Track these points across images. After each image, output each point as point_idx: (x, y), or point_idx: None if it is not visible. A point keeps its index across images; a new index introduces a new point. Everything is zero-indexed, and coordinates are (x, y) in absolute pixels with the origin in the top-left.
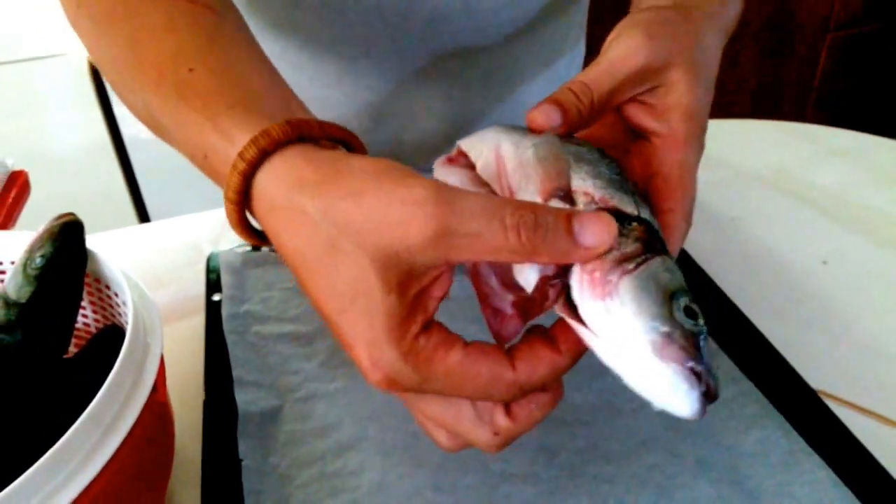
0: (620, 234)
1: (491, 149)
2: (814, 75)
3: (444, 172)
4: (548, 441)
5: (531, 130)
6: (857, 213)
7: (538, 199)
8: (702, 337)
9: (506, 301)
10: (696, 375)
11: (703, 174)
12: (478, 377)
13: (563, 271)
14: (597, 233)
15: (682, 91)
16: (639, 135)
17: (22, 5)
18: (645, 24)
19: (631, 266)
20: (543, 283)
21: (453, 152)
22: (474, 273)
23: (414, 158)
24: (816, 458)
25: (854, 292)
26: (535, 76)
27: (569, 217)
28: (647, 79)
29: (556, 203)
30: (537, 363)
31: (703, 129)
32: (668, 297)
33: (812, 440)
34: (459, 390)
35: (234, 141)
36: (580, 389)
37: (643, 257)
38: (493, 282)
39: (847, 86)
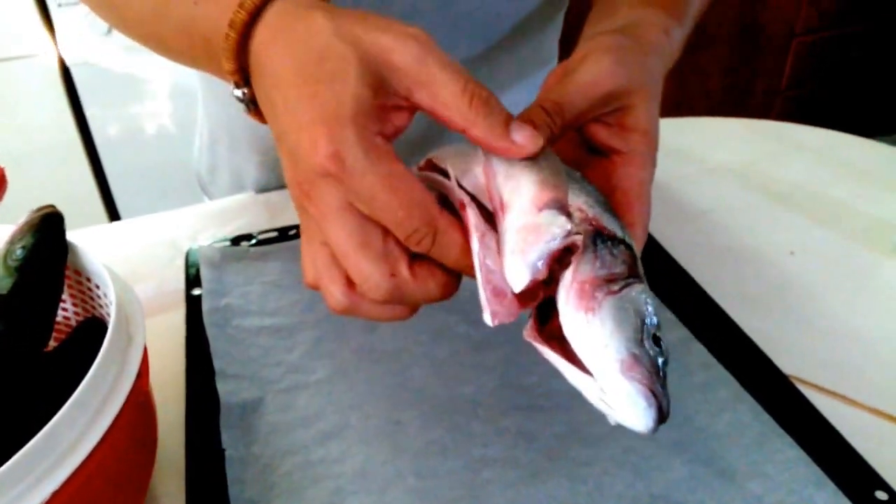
0: (611, 255)
1: (477, 161)
2: (780, 80)
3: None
4: (527, 426)
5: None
6: (822, 206)
7: (533, 211)
8: (662, 362)
9: (504, 283)
10: (655, 396)
11: (675, 169)
12: (412, 192)
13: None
14: (527, 136)
15: (641, 113)
16: (597, 151)
17: None
18: (613, 51)
19: (616, 287)
20: (535, 285)
21: (421, 163)
22: (481, 245)
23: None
24: (787, 439)
25: (820, 281)
26: (513, 85)
27: (510, 116)
28: (612, 101)
29: (551, 215)
30: (456, 232)
31: (657, 149)
32: (641, 324)
33: (783, 422)
34: (391, 197)
35: None
36: (558, 376)
37: (626, 281)
38: (499, 263)
39: (812, 89)
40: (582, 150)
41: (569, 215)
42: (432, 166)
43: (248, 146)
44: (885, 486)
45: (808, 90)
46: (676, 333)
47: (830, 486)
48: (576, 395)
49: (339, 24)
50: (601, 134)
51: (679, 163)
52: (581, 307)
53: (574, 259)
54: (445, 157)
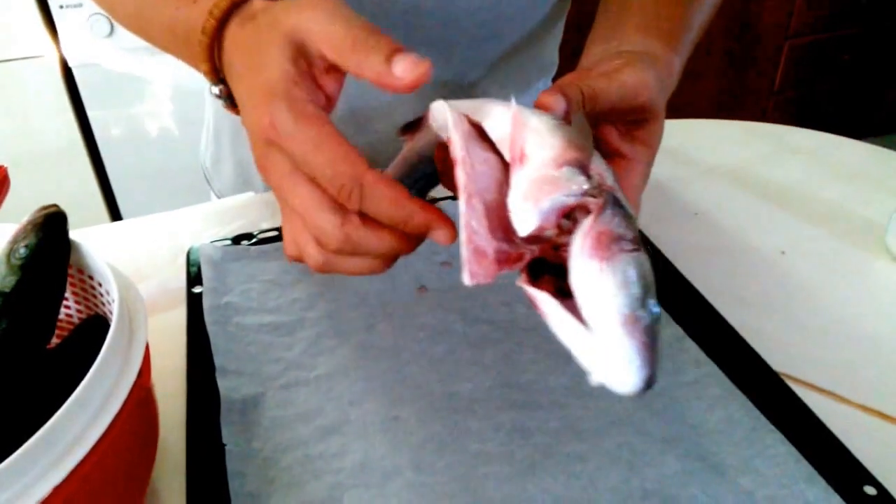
0: (626, 220)
1: (504, 112)
2: (773, 81)
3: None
4: (523, 422)
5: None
6: (813, 207)
7: (553, 166)
8: (658, 329)
9: (490, 245)
10: (650, 358)
11: (670, 171)
12: (337, 150)
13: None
14: (406, 68)
15: (653, 130)
16: (600, 151)
17: None
18: (651, 69)
19: (629, 248)
20: (529, 240)
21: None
22: (467, 206)
23: (388, 153)
24: (778, 435)
25: (811, 280)
26: (514, 89)
27: (395, 50)
28: (639, 112)
29: (571, 172)
30: (384, 187)
31: (653, 164)
32: (647, 288)
33: (773, 418)
34: (317, 155)
35: None
36: (553, 372)
37: (636, 247)
38: (483, 224)
39: (805, 91)
40: None
41: (588, 177)
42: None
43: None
44: (873, 482)
45: (800, 92)
46: (669, 331)
47: (821, 482)
48: (571, 392)
49: (270, 15)
50: (612, 136)
51: (673, 164)
52: (596, 256)
53: (594, 210)
54: (471, 108)
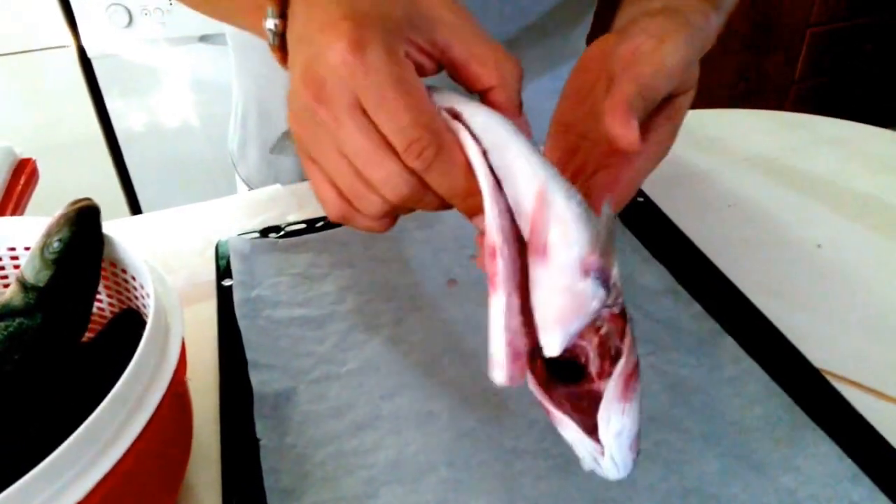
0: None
1: (530, 180)
2: (794, 70)
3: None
4: None
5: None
6: (848, 199)
7: (578, 274)
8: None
9: (523, 346)
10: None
11: (704, 161)
12: (422, 102)
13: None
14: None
15: (681, 106)
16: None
17: None
18: (685, 38)
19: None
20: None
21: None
22: (507, 307)
23: None
24: (820, 432)
25: (849, 274)
26: (540, 73)
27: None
28: (675, 94)
29: (595, 286)
30: (460, 153)
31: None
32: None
33: (814, 416)
34: (400, 99)
35: None
36: None
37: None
38: (517, 321)
39: (826, 80)
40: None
41: (608, 288)
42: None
43: (278, 117)
44: None
45: (821, 80)
46: (706, 326)
47: (866, 481)
48: None
49: None
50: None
51: (707, 155)
52: (623, 398)
53: (624, 348)
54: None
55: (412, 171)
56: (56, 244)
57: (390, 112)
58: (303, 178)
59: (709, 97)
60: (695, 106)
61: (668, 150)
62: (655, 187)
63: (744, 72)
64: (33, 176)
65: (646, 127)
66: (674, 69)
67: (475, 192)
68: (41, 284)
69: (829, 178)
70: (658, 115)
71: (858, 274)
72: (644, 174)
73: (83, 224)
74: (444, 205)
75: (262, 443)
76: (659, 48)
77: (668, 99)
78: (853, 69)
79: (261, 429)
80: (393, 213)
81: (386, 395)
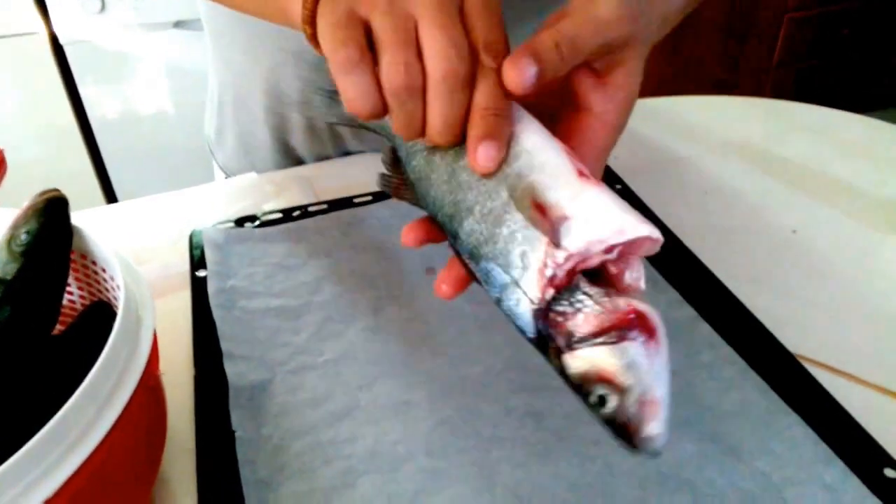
0: None
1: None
2: (772, 56)
3: None
4: (535, 406)
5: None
6: (823, 184)
7: None
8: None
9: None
10: None
11: (679, 149)
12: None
13: None
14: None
15: (630, 71)
16: (572, 103)
17: None
18: None
19: None
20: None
21: None
22: None
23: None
24: (794, 417)
25: (824, 259)
26: (530, 19)
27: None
28: (615, 49)
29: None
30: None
31: (630, 113)
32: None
33: (789, 400)
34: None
35: None
36: None
37: None
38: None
39: (804, 66)
40: (559, 99)
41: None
42: None
43: (254, 103)
44: (893, 464)
45: (799, 66)
46: (682, 312)
47: (839, 464)
48: None
49: None
50: (584, 86)
51: (681, 141)
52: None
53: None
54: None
55: (469, 62)
56: (24, 236)
57: (487, 17)
58: (279, 167)
59: (687, 84)
60: (673, 93)
61: (632, 96)
62: (633, 174)
63: (722, 58)
64: (1, 166)
65: (596, 74)
66: (605, 22)
67: (509, 117)
68: (9, 277)
69: (805, 164)
70: (612, 64)
71: (833, 259)
72: (611, 123)
73: (51, 215)
74: (460, 120)
75: (237, 434)
76: (591, 2)
77: (616, 63)
78: (831, 55)
79: (236, 420)
80: (403, 100)
81: (363, 384)
